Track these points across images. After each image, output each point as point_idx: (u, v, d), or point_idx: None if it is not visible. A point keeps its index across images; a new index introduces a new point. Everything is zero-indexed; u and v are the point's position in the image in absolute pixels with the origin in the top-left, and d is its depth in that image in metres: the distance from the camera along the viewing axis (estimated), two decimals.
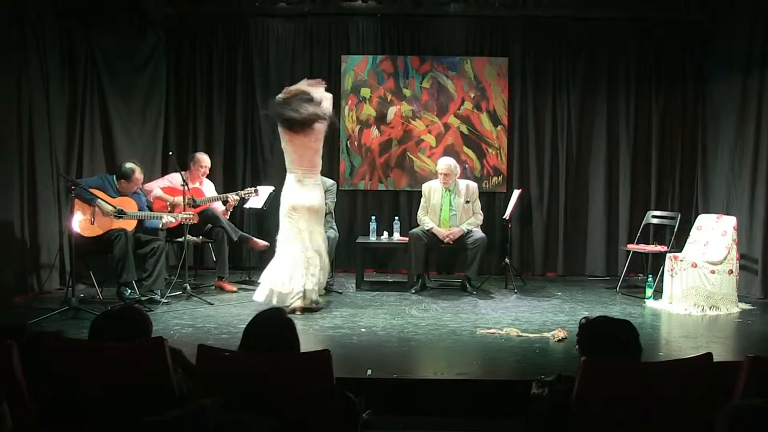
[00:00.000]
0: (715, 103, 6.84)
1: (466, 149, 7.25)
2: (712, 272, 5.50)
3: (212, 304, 5.39)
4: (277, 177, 6.49)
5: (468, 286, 6.17)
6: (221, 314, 5.10)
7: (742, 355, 2.51)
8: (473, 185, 6.39)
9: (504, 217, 6.60)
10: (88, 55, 6.24)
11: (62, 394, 2.34)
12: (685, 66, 7.10)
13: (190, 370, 2.49)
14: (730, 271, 5.55)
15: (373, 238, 6.59)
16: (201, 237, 6.10)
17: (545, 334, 4.54)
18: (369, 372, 3.69)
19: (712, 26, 6.85)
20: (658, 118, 7.15)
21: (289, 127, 5.11)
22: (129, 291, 5.38)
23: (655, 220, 6.76)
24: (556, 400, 2.34)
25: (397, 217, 6.80)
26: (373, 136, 7.29)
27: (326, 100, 5.23)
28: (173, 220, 5.51)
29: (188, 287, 5.59)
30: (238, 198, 6.12)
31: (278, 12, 7.16)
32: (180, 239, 5.75)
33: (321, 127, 5.18)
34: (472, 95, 7.24)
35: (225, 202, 6.09)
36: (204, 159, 6.21)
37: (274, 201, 6.06)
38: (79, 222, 5.21)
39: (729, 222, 5.73)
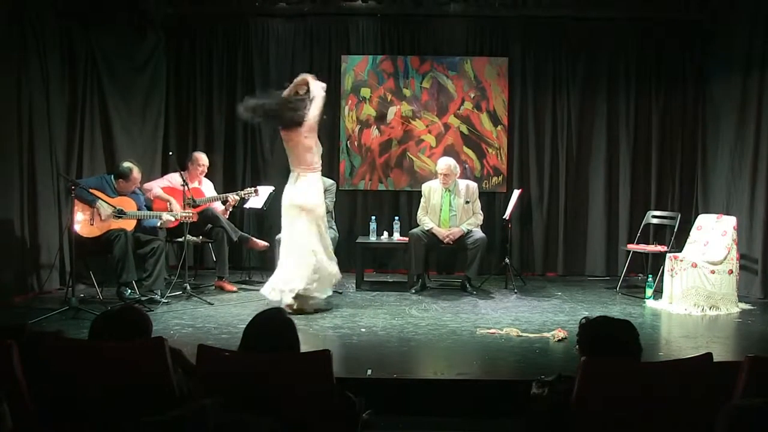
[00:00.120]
0: (715, 103, 6.83)
1: (466, 149, 7.25)
2: (712, 272, 5.50)
3: (212, 304, 5.39)
4: (277, 177, 6.50)
5: (468, 286, 6.17)
6: (221, 314, 5.10)
7: (742, 355, 2.51)
8: (473, 185, 6.38)
9: (504, 217, 6.60)
10: (88, 55, 6.24)
11: (62, 394, 2.34)
12: (685, 66, 7.10)
13: (190, 370, 2.49)
14: (730, 271, 5.55)
15: (373, 238, 6.58)
16: (201, 237, 6.10)
17: (545, 334, 4.53)
18: (369, 372, 3.68)
19: (712, 26, 6.84)
20: (658, 118, 7.14)
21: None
22: (129, 291, 5.38)
23: (655, 220, 6.76)
24: (556, 400, 2.33)
25: (397, 217, 6.80)
26: (373, 136, 7.29)
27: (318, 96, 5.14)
28: (172, 219, 5.52)
29: (188, 287, 5.59)
30: (237, 198, 6.12)
31: (278, 12, 7.15)
32: (180, 239, 5.75)
33: (309, 124, 5.08)
34: (472, 95, 7.24)
35: (224, 202, 6.09)
36: (201, 158, 6.21)
37: (274, 201, 6.07)
38: (78, 222, 5.21)
39: (729, 222, 5.72)
